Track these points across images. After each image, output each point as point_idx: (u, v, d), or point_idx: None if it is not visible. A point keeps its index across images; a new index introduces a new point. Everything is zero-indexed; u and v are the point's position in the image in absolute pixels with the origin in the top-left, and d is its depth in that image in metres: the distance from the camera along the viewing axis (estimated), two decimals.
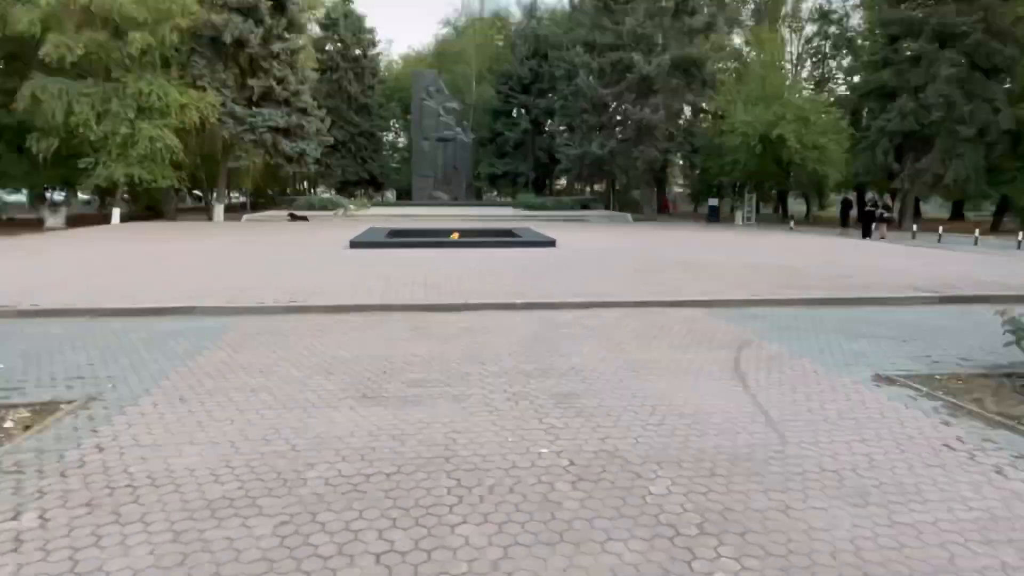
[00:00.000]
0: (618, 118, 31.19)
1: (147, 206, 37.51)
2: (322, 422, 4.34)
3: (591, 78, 29.16)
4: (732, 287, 9.93)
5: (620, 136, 30.00)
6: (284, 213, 29.02)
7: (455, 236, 17.94)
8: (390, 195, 59.84)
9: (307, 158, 29.64)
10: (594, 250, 15.47)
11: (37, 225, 27.53)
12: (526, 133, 44.43)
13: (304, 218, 27.36)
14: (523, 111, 45.09)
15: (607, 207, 40.60)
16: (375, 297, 8.75)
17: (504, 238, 17.84)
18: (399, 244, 15.50)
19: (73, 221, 29.51)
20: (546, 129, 48.54)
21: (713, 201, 32.38)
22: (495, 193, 64.22)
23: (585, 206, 36.39)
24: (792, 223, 28.49)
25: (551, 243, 16.00)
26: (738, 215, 31.51)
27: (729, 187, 33.72)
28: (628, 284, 10.11)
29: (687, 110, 34.17)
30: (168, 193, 30.34)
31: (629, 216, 30.85)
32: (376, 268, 11.73)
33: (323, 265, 12.17)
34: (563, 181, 58.57)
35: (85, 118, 21.97)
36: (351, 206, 30.50)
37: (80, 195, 44.77)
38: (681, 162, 37.78)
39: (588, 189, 48.23)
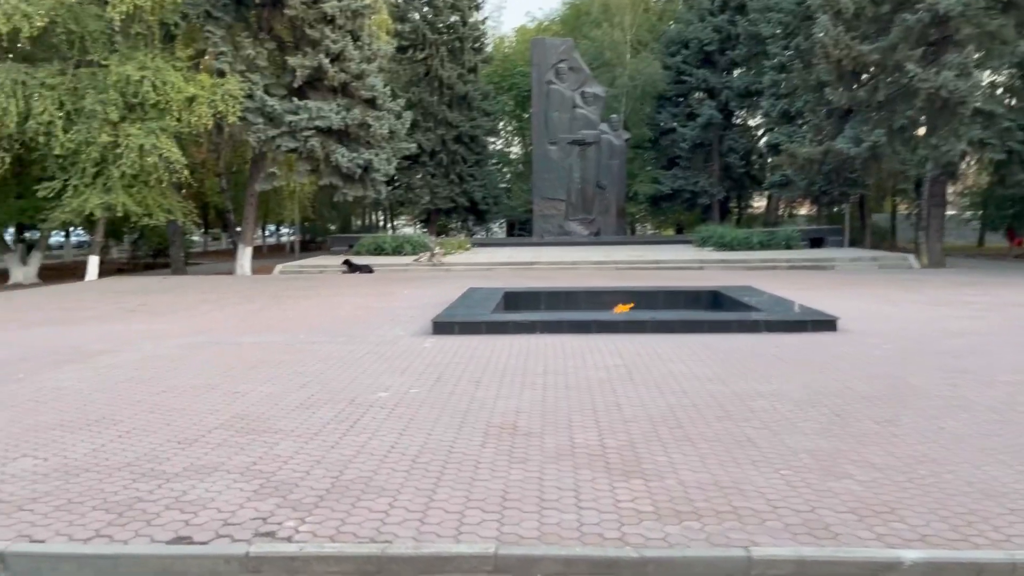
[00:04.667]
0: (881, 96, 25.86)
1: (156, 249, 37.30)
2: None
3: (837, 27, 24.30)
4: None
5: (891, 123, 24.63)
6: (338, 260, 26.44)
7: (623, 309, 13.66)
8: (497, 229, 57.54)
9: (375, 175, 27.06)
10: (927, 342, 10.50)
11: (3, 279, 27.05)
12: (709, 129, 39.94)
13: (367, 269, 24.51)
14: (705, 95, 40.75)
15: (843, 241, 34.64)
16: (485, 508, 4.61)
17: (716, 313, 13.31)
18: (521, 326, 11.46)
19: (52, 272, 29.04)
20: (736, 121, 43.89)
21: None
22: (648, 226, 59.82)
23: (818, 241, 30.93)
24: None
25: (827, 324, 11.21)
26: None
27: None
28: None
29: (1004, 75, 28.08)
30: (175, 233, 29.01)
31: (911, 260, 25.06)
32: (484, 394, 7.66)
33: (372, 383, 8.33)
34: (761, 203, 53.40)
35: (48, 121, 20.59)
36: (438, 248, 27.39)
37: (70, 234, 46.30)
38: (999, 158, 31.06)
39: (816, 213, 42.32)
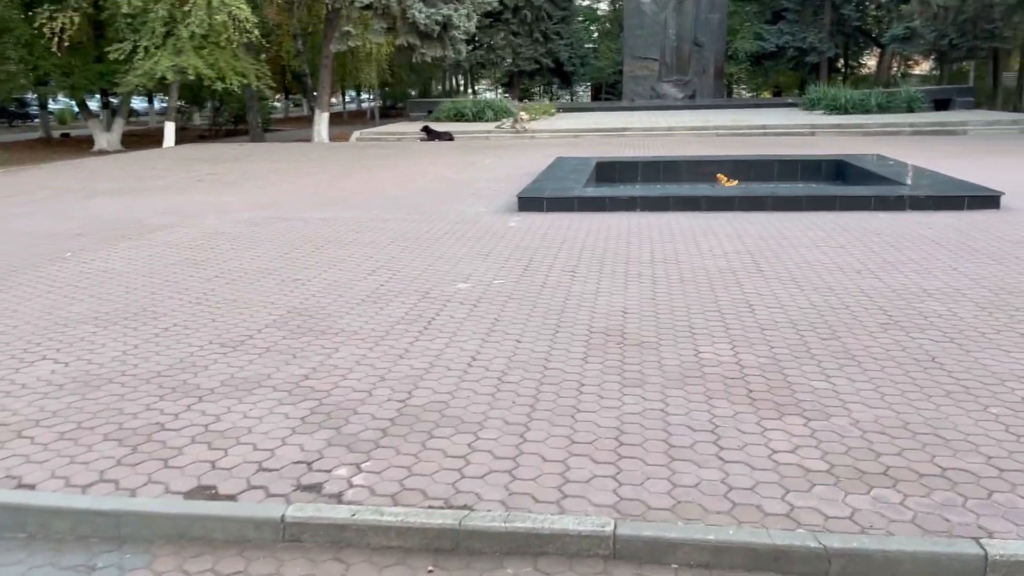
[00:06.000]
0: None
1: (237, 116, 36.58)
2: None
3: None
4: None
5: None
6: (416, 126, 25.10)
7: (725, 182, 12.07)
8: (583, 93, 54.71)
9: (455, 33, 25.20)
10: None
11: (89, 145, 26.89)
12: None
13: (446, 136, 23.11)
14: None
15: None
16: (595, 457, 3.56)
17: (850, 187, 11.59)
18: (619, 202, 10.06)
19: (135, 138, 28.69)
20: None
21: None
22: (744, 88, 55.46)
23: (943, 103, 27.70)
24: None
25: (989, 200, 9.41)
26: None
27: None
28: None
29: None
30: (252, 99, 28.03)
31: None
32: (581, 287, 6.45)
33: (450, 271, 7.23)
34: (871, 61, 48.93)
35: None
36: (523, 115, 25.65)
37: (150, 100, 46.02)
38: None
39: (939, 72, 38.21)
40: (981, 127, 21.46)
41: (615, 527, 3.00)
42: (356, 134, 25.33)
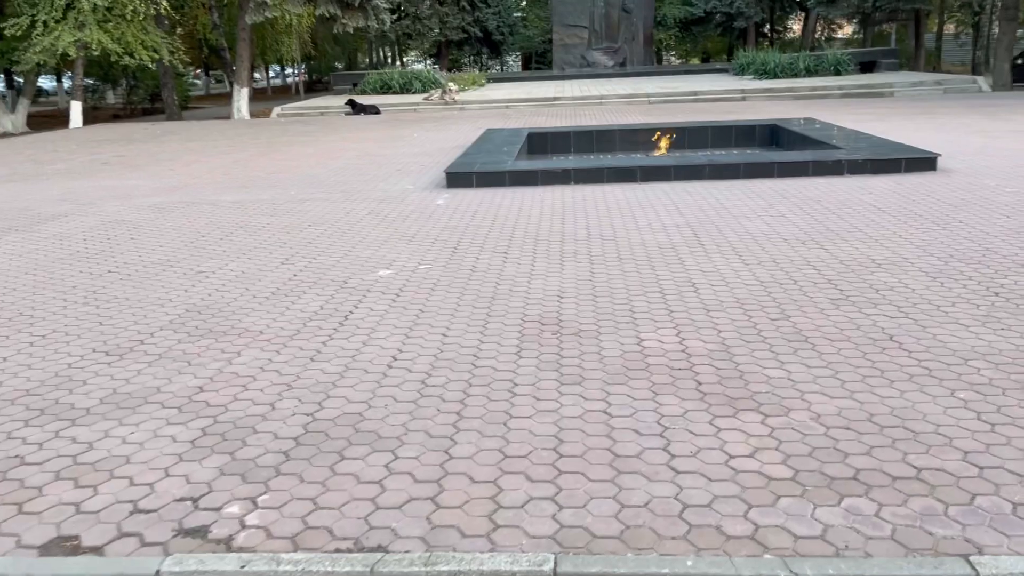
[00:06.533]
0: None
1: (153, 94, 34.80)
2: None
3: None
4: None
5: None
6: (341, 100, 24.14)
7: (663, 145, 11.76)
8: (513, 62, 53.88)
9: (377, 2, 24.25)
10: None
11: None
12: None
13: (372, 110, 22.26)
14: None
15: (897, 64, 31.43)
16: (530, 475, 3.13)
17: (787, 153, 11.35)
18: (552, 175, 9.57)
19: (43, 120, 26.95)
20: None
21: None
22: (673, 55, 55.44)
23: (868, 65, 27.95)
24: None
25: (925, 162, 9.24)
26: None
27: None
28: None
29: None
30: (167, 75, 26.59)
31: (981, 82, 22.33)
32: (513, 269, 5.99)
33: (371, 256, 6.69)
34: (796, 27, 49.46)
35: None
36: (452, 85, 24.90)
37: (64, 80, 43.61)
38: None
39: (862, 35, 38.66)
40: (906, 88, 21.64)
41: (555, 564, 2.55)
42: (278, 110, 24.25)
